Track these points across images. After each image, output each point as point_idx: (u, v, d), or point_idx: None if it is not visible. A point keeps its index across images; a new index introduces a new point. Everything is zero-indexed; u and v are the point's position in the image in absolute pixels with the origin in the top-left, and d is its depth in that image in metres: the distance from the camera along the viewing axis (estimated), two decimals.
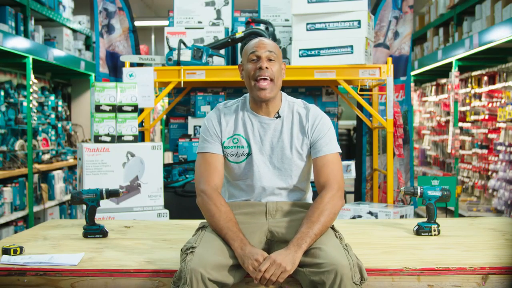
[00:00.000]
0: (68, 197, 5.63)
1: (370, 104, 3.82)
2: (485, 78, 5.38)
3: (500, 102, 5.01)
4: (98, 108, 3.15)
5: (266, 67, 1.93)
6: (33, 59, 4.77)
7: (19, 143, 4.94)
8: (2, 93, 4.97)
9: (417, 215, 5.55)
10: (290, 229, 1.90)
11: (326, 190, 1.91)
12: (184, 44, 3.57)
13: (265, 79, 1.93)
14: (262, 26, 3.65)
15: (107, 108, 3.16)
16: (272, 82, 1.94)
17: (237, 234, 1.81)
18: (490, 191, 5.09)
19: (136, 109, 3.23)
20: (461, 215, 5.36)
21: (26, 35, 4.81)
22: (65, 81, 6.75)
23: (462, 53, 5.04)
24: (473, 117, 5.65)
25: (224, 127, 2.01)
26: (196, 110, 3.86)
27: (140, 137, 3.84)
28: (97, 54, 3.79)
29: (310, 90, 4.18)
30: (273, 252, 1.75)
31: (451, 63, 5.50)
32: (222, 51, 3.67)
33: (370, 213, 3.25)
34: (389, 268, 1.83)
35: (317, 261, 1.69)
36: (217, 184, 1.96)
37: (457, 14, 5.58)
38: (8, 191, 4.52)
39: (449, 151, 5.85)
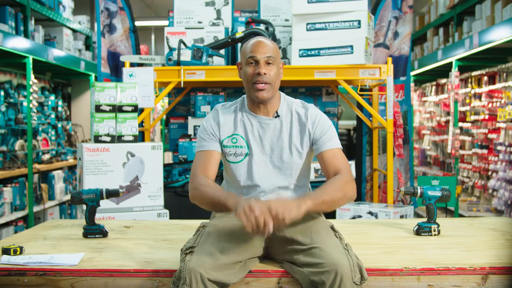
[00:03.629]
0: (68, 197, 5.63)
1: (370, 104, 3.82)
2: (485, 78, 5.37)
3: (500, 102, 5.01)
4: (98, 108, 3.15)
5: (264, 73, 1.94)
6: (33, 59, 4.77)
7: (19, 143, 4.94)
8: (2, 93, 4.97)
9: (417, 215, 5.56)
10: (290, 226, 1.89)
11: (340, 175, 1.92)
12: (184, 44, 3.57)
13: (263, 83, 1.94)
14: (262, 26, 3.65)
15: (107, 108, 3.16)
16: (270, 85, 1.95)
17: (230, 194, 1.82)
18: (490, 191, 5.08)
19: (136, 109, 3.23)
20: (461, 215, 5.35)
21: (26, 35, 4.80)
22: (65, 81, 6.75)
23: (462, 53, 5.04)
24: (473, 117, 5.65)
25: (222, 126, 2.02)
26: (196, 110, 3.86)
27: (140, 137, 3.84)
28: (98, 54, 3.79)
29: (310, 90, 4.18)
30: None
31: (451, 63, 5.49)
32: (222, 51, 3.67)
33: (370, 213, 3.25)
34: (389, 268, 1.83)
35: (317, 261, 1.69)
36: (209, 175, 1.96)
37: (457, 14, 5.58)
38: (8, 191, 4.52)
39: (449, 151, 5.85)
